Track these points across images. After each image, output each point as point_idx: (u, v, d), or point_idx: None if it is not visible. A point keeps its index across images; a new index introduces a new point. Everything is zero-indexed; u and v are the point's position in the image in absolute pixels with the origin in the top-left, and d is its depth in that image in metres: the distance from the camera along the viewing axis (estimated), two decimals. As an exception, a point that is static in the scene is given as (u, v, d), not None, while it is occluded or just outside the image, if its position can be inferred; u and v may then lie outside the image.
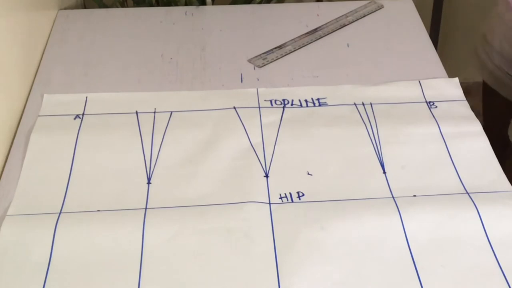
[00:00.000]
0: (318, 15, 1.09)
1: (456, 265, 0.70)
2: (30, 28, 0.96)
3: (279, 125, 0.86)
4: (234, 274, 0.69)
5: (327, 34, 1.04)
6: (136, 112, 0.88)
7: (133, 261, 0.69)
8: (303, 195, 0.77)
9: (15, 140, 0.84)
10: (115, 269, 0.68)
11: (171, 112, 0.88)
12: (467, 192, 0.77)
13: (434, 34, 1.57)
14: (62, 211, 0.74)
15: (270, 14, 1.10)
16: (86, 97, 0.89)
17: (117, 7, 1.21)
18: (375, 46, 1.02)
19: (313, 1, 1.40)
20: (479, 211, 0.74)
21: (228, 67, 0.97)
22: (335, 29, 1.05)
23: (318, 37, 1.04)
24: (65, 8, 1.11)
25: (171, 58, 0.98)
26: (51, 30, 1.04)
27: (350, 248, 0.71)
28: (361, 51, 1.01)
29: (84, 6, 1.26)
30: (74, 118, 0.86)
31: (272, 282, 0.68)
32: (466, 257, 0.71)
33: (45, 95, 0.90)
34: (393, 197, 0.77)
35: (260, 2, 1.20)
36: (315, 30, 1.05)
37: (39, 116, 0.86)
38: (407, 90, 0.93)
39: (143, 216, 0.73)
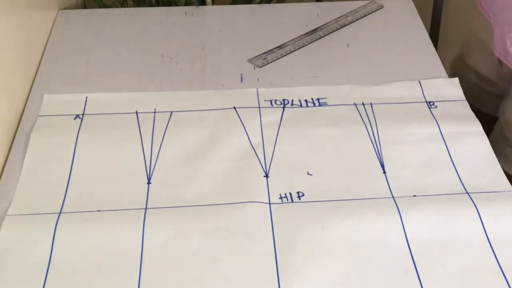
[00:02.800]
0: (318, 15, 1.09)
1: (456, 265, 0.70)
2: (30, 28, 0.96)
3: (279, 125, 0.86)
4: (234, 274, 0.69)
5: (327, 34, 1.04)
6: (136, 112, 0.88)
7: (133, 261, 0.69)
8: (303, 195, 0.77)
9: (15, 140, 0.83)
10: (115, 269, 0.68)
11: (171, 112, 0.88)
12: (467, 192, 0.77)
13: (434, 34, 1.57)
14: (62, 211, 0.74)
15: (270, 14, 1.10)
16: (86, 97, 0.89)
17: (117, 7, 1.21)
18: (375, 46, 1.02)
19: (313, 1, 1.40)
20: (479, 211, 0.74)
21: (228, 67, 0.97)
22: (335, 29, 1.05)
23: (318, 37, 1.04)
24: (65, 8, 1.11)
25: (171, 58, 0.98)
26: (51, 30, 1.04)
27: (350, 248, 0.71)
28: (361, 51, 1.01)
29: (84, 6, 1.26)
30: (74, 118, 0.86)
31: (272, 282, 0.68)
32: (466, 257, 0.71)
33: (45, 95, 0.90)
34: (393, 197, 0.77)
35: (260, 2, 1.19)
36: (315, 30, 1.05)
37: (39, 116, 0.86)
38: (407, 90, 0.93)
39: (143, 216, 0.73)
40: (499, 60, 0.96)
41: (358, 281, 0.68)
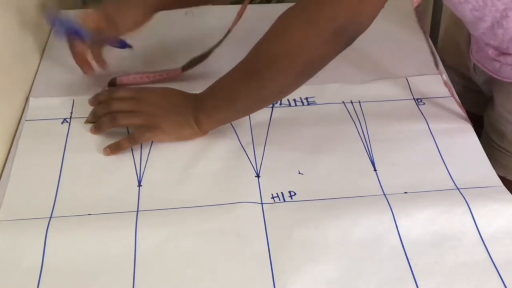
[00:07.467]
0: None
1: (449, 261, 0.70)
2: (30, 28, 0.95)
3: (269, 125, 0.86)
4: (228, 275, 0.69)
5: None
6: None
7: (127, 264, 0.69)
8: (295, 194, 0.77)
9: (14, 143, 0.83)
10: (108, 273, 0.68)
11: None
12: (457, 188, 0.78)
13: (434, 34, 1.57)
14: (53, 216, 0.73)
15: (270, 14, 1.08)
16: (73, 100, 0.89)
17: None
18: (375, 46, 1.01)
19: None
20: (470, 206, 0.74)
21: (228, 67, 0.95)
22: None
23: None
24: (65, 8, 1.10)
25: (171, 59, 0.97)
26: (51, 30, 1.03)
27: (343, 246, 0.71)
28: (361, 51, 1.00)
29: (84, 6, 1.25)
30: (62, 123, 0.86)
31: (267, 282, 0.68)
32: (458, 252, 0.71)
33: (31, 99, 0.89)
34: (384, 194, 0.77)
35: (260, 2, 1.18)
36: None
37: (26, 120, 0.86)
38: (395, 88, 0.93)
39: (135, 219, 0.73)
40: (474, 66, 0.96)
41: (353, 279, 0.68)
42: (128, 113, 0.82)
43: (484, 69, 0.91)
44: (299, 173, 0.80)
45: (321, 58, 0.75)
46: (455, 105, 0.90)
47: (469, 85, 1.00)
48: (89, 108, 0.87)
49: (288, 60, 0.74)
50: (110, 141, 0.82)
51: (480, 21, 0.83)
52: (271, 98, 0.83)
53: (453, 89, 0.90)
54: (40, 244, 0.70)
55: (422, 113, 0.89)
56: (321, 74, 0.94)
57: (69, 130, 0.85)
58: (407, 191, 0.77)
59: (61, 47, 0.99)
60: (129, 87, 0.86)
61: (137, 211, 0.74)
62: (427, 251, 0.71)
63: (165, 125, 0.82)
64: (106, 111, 0.83)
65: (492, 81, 0.92)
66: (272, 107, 0.89)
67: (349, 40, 0.73)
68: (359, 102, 0.90)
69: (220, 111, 0.81)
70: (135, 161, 0.81)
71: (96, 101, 0.86)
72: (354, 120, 0.87)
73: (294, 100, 0.90)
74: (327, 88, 0.92)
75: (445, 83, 0.88)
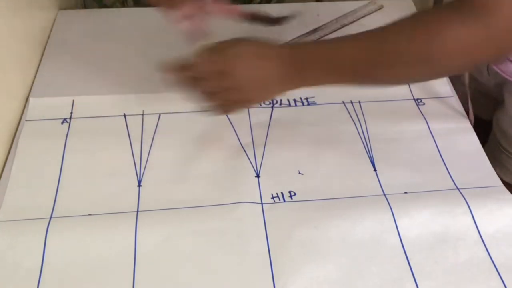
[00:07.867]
0: (318, 15, 1.07)
1: (449, 261, 0.70)
2: (30, 28, 0.95)
3: (269, 125, 0.86)
4: (228, 275, 0.69)
5: (327, 34, 1.03)
6: (124, 115, 0.87)
7: (127, 265, 0.69)
8: (295, 194, 0.77)
9: (14, 143, 0.83)
10: (108, 273, 0.68)
11: (160, 114, 0.88)
12: (457, 188, 0.77)
13: None
14: (53, 216, 0.73)
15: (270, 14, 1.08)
16: (73, 100, 0.89)
17: (117, 7, 1.21)
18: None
19: (313, 1, 1.39)
20: (470, 206, 0.74)
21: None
22: (335, 29, 1.04)
23: (318, 37, 1.03)
24: (65, 8, 1.10)
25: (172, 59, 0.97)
26: (51, 30, 1.03)
27: (343, 247, 0.71)
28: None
29: (84, 6, 1.25)
30: (62, 123, 0.86)
31: (267, 282, 0.68)
32: (458, 253, 0.71)
33: (31, 99, 0.89)
34: (384, 194, 0.77)
35: (260, 2, 1.18)
36: (315, 30, 1.04)
37: (26, 120, 0.86)
38: (395, 88, 0.92)
39: (135, 219, 0.73)
40: (487, 68, 0.95)
41: (352, 279, 0.68)
42: (218, 92, 0.74)
43: (498, 71, 0.91)
44: (299, 173, 0.80)
45: (473, 64, 0.67)
46: (455, 105, 0.90)
47: (478, 87, 0.99)
48: (89, 109, 0.87)
49: (439, 62, 0.66)
50: (110, 141, 0.83)
51: None
52: (386, 85, 0.79)
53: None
54: (40, 244, 0.70)
55: (422, 113, 0.89)
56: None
57: (69, 130, 0.85)
58: (407, 191, 0.77)
59: (61, 47, 1.00)
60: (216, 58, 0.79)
61: (137, 211, 0.74)
62: (427, 251, 0.71)
63: (252, 98, 0.75)
64: (200, 86, 0.75)
65: (504, 84, 0.92)
66: (272, 107, 0.89)
67: (507, 53, 0.67)
68: (359, 102, 0.90)
69: (322, 82, 0.74)
70: (135, 161, 0.81)
71: (185, 69, 0.77)
72: (354, 120, 0.87)
73: (294, 100, 0.90)
74: (327, 88, 0.92)
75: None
